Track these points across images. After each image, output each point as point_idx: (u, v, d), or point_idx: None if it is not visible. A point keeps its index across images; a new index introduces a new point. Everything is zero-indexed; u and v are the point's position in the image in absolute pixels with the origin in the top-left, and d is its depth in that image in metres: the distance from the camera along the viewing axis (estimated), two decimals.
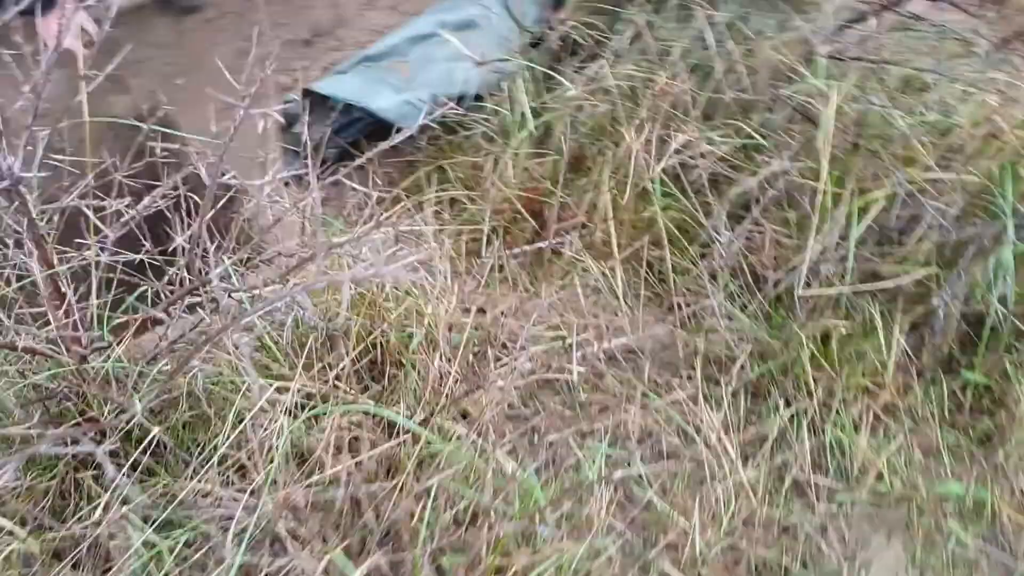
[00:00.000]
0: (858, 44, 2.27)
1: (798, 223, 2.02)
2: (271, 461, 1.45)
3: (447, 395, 1.85)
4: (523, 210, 2.35)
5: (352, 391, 1.84)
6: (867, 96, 1.92)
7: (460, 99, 2.57)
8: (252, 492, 1.36)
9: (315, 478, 1.41)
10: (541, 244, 2.39)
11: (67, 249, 1.57)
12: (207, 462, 1.46)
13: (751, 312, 2.09)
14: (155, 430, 1.35)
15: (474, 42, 2.61)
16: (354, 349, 1.98)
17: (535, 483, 1.58)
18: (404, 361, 2.05)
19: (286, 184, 3.03)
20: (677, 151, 2.14)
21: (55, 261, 1.39)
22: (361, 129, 2.90)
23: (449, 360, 2.11)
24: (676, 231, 2.28)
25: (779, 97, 2.03)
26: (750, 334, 2.02)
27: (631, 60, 2.31)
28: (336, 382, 1.93)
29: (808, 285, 1.91)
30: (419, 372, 1.98)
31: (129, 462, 1.43)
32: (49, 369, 1.48)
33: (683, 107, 2.20)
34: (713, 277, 2.18)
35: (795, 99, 2.01)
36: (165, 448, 1.52)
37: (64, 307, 1.51)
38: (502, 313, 2.33)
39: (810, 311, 1.96)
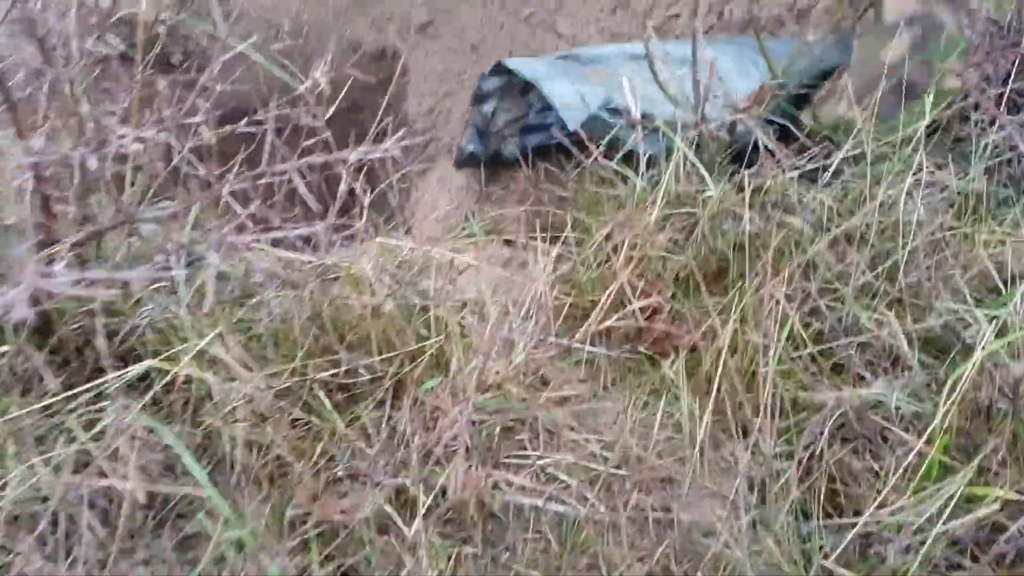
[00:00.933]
0: None
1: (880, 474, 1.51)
2: None
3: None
4: (633, 298, 1.97)
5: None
6: None
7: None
8: None
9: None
10: (640, 347, 2.02)
11: None
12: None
13: (804, 542, 1.62)
14: None
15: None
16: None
17: None
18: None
19: (459, 165, 2.87)
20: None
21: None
22: (547, 137, 2.63)
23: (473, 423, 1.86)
24: (789, 404, 1.83)
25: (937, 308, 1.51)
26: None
27: (822, 188, 1.84)
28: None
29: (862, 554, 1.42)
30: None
31: None
32: None
33: (849, 273, 1.71)
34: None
35: (971, 326, 1.47)
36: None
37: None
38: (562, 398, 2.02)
39: None
